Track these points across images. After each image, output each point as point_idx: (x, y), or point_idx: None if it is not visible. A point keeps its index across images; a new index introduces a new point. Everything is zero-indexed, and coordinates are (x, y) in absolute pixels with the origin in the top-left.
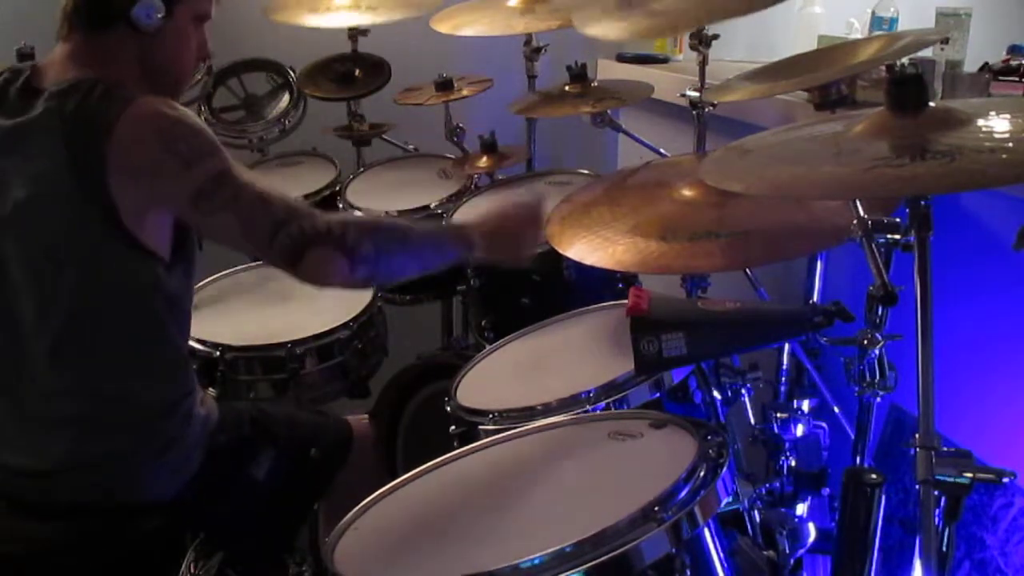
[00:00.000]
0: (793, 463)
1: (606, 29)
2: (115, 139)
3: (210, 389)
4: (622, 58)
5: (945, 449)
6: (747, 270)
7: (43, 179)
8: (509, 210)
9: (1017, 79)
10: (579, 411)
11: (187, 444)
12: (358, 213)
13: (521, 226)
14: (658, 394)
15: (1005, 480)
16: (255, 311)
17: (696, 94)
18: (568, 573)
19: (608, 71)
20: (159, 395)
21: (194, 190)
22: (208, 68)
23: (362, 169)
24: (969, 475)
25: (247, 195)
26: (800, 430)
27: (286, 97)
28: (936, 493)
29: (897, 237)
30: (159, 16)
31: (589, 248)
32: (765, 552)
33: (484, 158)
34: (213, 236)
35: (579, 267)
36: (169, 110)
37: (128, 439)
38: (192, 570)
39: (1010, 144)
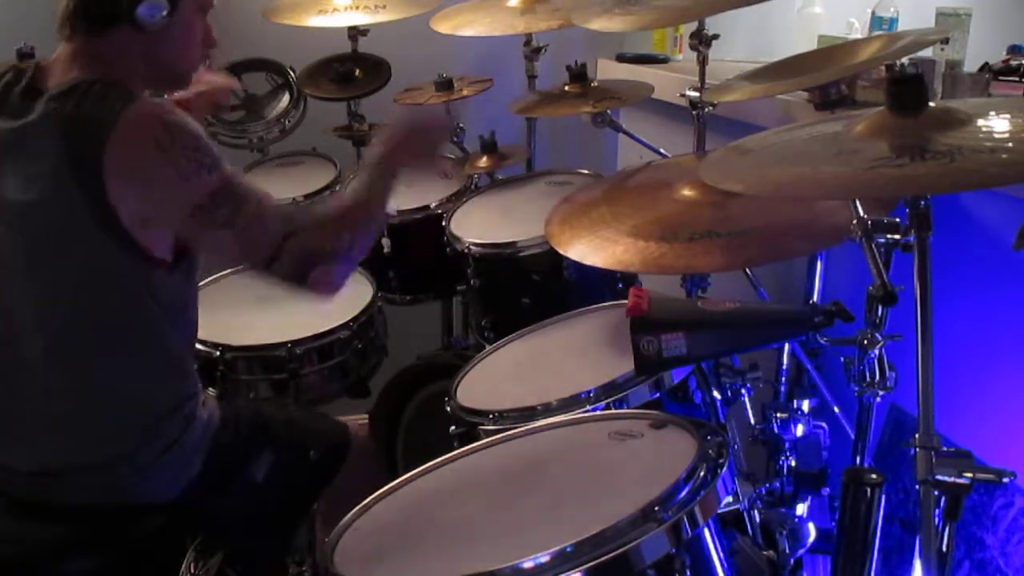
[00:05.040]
0: (793, 463)
1: (607, 23)
2: (112, 142)
3: (210, 389)
4: (622, 58)
5: (945, 449)
6: (747, 270)
7: (44, 181)
8: (408, 118)
9: (1017, 79)
10: (579, 411)
11: (188, 446)
12: None
13: (423, 124)
14: (658, 394)
15: (1005, 480)
16: (255, 311)
17: (696, 94)
18: (568, 573)
19: (608, 71)
20: (159, 397)
21: (192, 206)
22: (208, 68)
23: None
24: (969, 475)
25: (245, 213)
26: (800, 430)
27: (286, 97)
28: (936, 493)
29: (897, 237)
30: (163, 14)
31: (589, 248)
32: (765, 552)
33: (484, 158)
34: (209, 252)
35: (579, 267)
36: (169, 116)
37: (128, 441)
38: (192, 570)
39: (1010, 144)
